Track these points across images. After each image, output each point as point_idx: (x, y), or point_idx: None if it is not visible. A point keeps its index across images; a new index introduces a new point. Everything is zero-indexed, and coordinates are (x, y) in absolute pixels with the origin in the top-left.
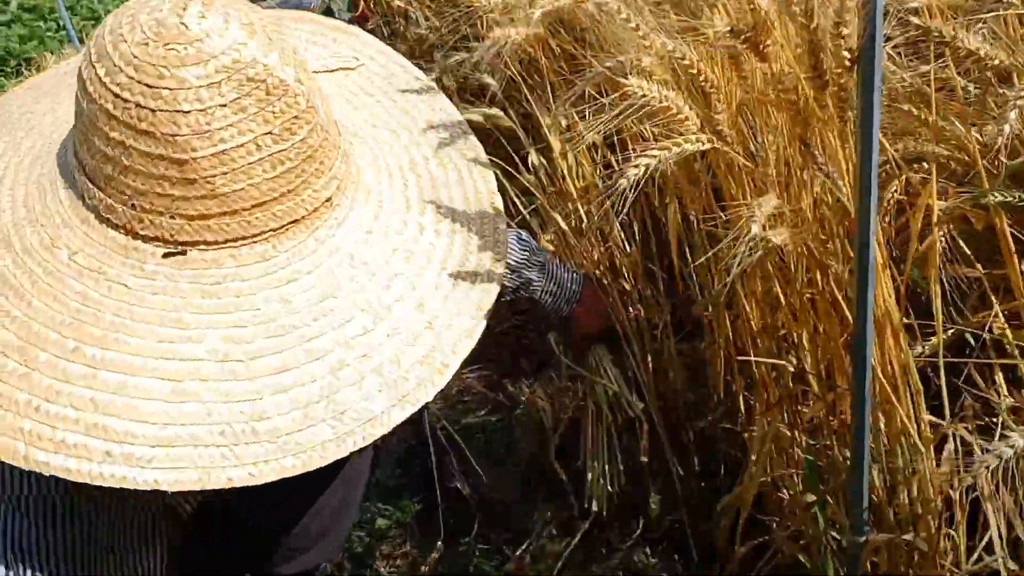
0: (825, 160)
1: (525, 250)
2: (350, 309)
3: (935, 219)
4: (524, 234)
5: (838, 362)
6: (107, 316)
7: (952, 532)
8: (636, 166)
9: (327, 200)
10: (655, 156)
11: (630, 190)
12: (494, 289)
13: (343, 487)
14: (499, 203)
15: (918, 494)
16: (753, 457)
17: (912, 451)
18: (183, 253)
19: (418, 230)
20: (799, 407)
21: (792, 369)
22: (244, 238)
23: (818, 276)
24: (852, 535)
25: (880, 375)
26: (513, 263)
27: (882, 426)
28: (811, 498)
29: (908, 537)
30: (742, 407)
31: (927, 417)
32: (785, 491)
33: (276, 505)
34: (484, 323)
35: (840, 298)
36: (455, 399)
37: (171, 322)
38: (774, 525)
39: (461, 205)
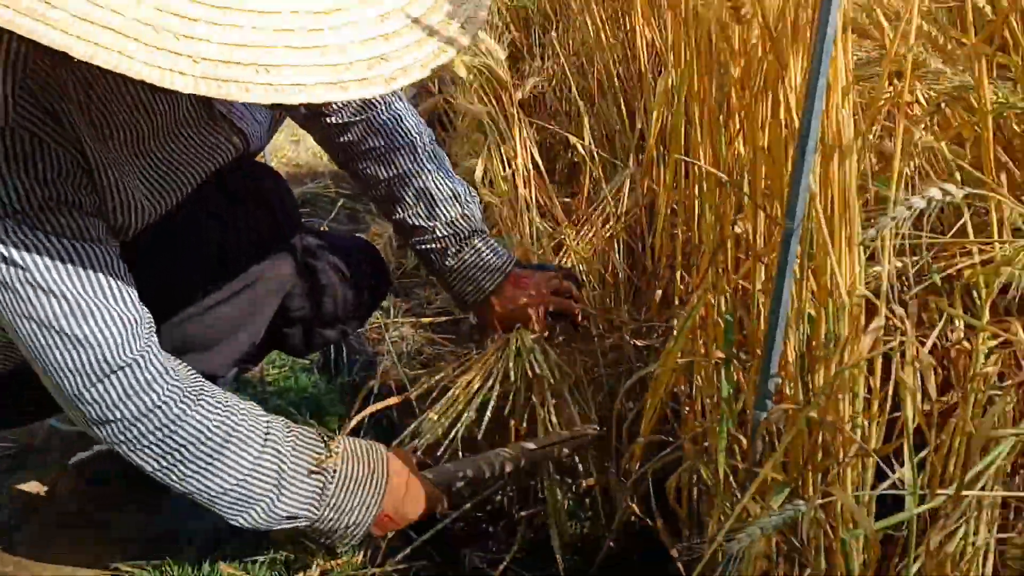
0: None
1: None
2: None
3: None
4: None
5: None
6: None
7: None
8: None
9: None
10: None
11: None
12: (455, 47)
13: (246, 302)
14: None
15: (837, 368)
16: (675, 332)
17: (838, 315)
18: None
19: None
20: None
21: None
22: None
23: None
24: (756, 408)
25: (820, 212)
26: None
27: (812, 283)
28: (720, 355)
29: (813, 414)
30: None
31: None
32: (699, 378)
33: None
34: (445, 61)
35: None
36: None
37: None
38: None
39: None
